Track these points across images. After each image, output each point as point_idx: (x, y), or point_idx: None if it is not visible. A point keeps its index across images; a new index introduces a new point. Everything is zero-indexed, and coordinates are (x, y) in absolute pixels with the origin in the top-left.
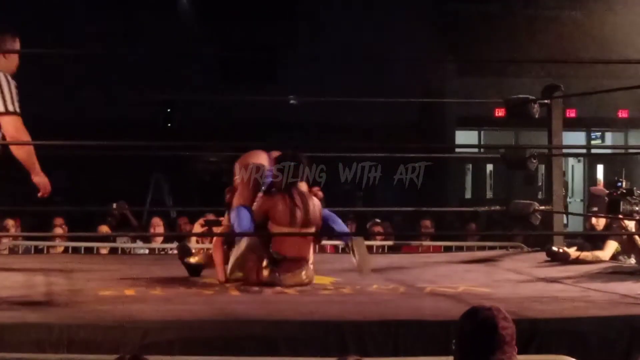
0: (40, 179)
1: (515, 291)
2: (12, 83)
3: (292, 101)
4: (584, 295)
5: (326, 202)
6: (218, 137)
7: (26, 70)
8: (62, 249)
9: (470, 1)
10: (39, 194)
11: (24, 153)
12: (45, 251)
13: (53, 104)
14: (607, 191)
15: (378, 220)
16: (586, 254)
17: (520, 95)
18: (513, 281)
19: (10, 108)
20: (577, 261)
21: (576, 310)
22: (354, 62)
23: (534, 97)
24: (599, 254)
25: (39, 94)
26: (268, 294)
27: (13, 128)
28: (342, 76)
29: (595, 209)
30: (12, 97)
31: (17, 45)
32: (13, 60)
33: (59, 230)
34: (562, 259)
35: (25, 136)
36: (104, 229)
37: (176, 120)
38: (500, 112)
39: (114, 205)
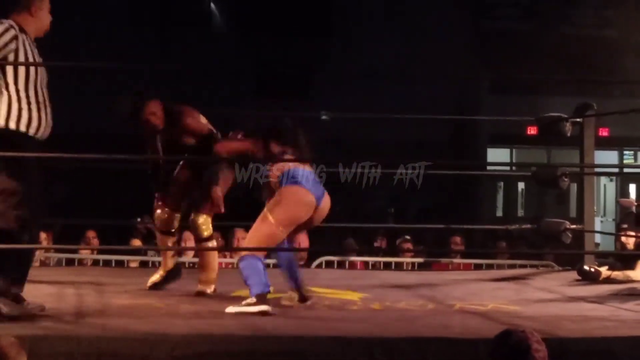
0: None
1: (545, 310)
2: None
3: (323, 117)
4: (614, 314)
5: (358, 219)
6: None
7: (62, 83)
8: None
9: (505, 19)
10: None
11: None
12: (76, 264)
13: (91, 117)
14: (636, 203)
15: (408, 237)
16: (617, 274)
17: (553, 114)
18: (543, 300)
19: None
20: (608, 280)
21: (606, 330)
22: (386, 79)
23: (566, 116)
24: (631, 273)
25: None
26: (298, 309)
27: None
28: (375, 92)
29: (625, 226)
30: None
31: (45, 5)
32: (42, 20)
33: (93, 242)
34: (593, 278)
35: None
36: (137, 242)
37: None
38: (532, 130)
39: (138, 220)
